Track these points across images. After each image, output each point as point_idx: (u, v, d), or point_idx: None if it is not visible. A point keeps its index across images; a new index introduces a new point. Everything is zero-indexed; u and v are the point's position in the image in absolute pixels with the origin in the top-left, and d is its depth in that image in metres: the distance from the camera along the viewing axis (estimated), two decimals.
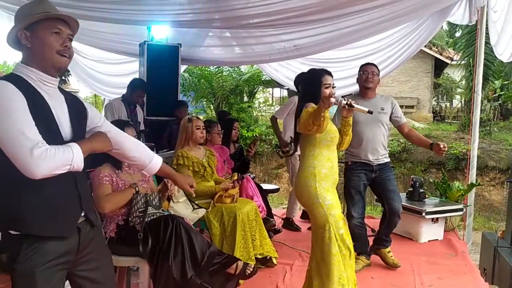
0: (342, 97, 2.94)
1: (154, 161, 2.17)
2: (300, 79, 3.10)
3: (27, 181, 1.60)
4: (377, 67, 4.01)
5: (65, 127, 1.77)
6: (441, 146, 3.66)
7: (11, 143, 1.57)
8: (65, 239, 1.75)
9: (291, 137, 5.04)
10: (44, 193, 1.68)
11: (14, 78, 1.69)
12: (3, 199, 1.69)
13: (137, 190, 2.85)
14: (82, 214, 1.84)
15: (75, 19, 1.81)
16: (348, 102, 2.83)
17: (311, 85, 3.00)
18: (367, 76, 3.87)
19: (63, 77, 17.49)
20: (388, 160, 3.98)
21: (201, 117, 6.98)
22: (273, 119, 5.42)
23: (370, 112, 2.95)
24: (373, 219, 5.71)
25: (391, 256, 4.00)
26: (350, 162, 3.95)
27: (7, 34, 1.76)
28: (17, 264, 1.66)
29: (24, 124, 1.59)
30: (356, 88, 4.65)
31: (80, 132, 1.85)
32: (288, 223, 5.26)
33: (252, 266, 3.12)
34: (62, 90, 1.86)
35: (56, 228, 1.72)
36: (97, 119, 1.96)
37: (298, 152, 5.23)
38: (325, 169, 2.86)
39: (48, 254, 1.69)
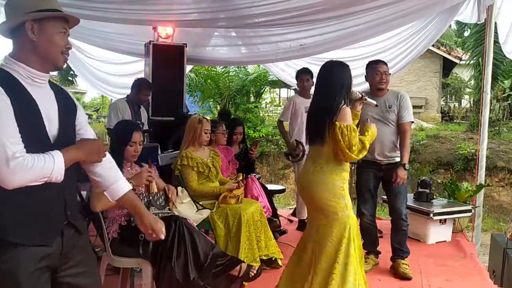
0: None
1: (119, 184, 1.90)
2: (332, 70, 2.91)
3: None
4: (386, 63, 3.88)
5: (53, 124, 1.69)
6: (398, 178, 3.62)
7: None
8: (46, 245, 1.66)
9: (296, 140, 4.98)
10: (25, 198, 1.59)
11: (1, 75, 1.63)
12: None
13: (134, 189, 2.82)
14: (65, 223, 1.74)
15: (78, 19, 1.78)
16: (364, 95, 2.96)
17: (349, 77, 2.87)
18: (380, 77, 3.73)
19: (69, 78, 17.65)
20: (399, 160, 3.80)
21: (207, 117, 6.95)
22: (279, 122, 5.38)
23: (376, 105, 3.14)
24: (379, 220, 5.64)
25: (405, 268, 3.77)
26: (361, 160, 3.88)
27: (4, 21, 1.69)
28: None
29: (4, 130, 1.52)
30: (361, 88, 4.59)
31: (68, 129, 1.77)
32: (304, 225, 5.18)
33: (256, 268, 3.08)
34: (52, 84, 1.78)
35: (35, 236, 1.62)
36: (80, 120, 1.86)
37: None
38: (347, 172, 2.88)
39: (28, 258, 1.60)
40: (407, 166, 3.67)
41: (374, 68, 3.78)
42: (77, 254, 1.79)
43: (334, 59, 3.13)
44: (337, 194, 2.79)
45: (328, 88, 2.85)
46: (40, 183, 1.57)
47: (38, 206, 1.64)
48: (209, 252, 2.80)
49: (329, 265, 2.76)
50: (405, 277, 3.73)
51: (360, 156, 2.80)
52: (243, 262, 3.06)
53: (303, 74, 5.08)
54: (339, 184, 2.80)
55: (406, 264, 3.81)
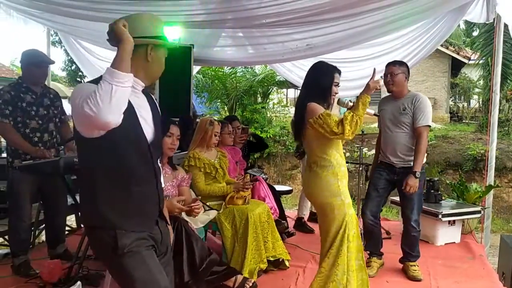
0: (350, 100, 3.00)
1: None
2: (313, 69, 3.02)
3: (115, 181, 1.77)
4: (398, 63, 3.80)
5: (148, 127, 1.88)
6: (407, 187, 3.57)
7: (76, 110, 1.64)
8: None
9: None
10: (129, 193, 1.81)
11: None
12: (91, 198, 1.80)
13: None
14: (158, 215, 1.96)
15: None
16: (353, 104, 2.91)
17: (324, 78, 2.93)
18: (386, 79, 3.72)
19: (78, 79, 17.67)
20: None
21: (215, 117, 6.94)
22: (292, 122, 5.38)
23: (376, 115, 3.10)
24: (388, 221, 5.61)
25: (414, 270, 3.75)
26: (378, 161, 3.95)
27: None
28: (120, 249, 1.76)
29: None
30: None
31: (159, 133, 1.97)
32: (300, 224, 5.19)
33: (252, 281, 3.07)
34: (144, 91, 1.96)
35: (138, 226, 1.84)
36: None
37: None
38: (343, 167, 2.87)
39: (139, 238, 1.82)
40: (417, 174, 3.57)
41: (384, 71, 3.77)
42: (165, 244, 2.01)
43: (332, 60, 3.15)
44: (332, 192, 2.81)
45: (307, 89, 2.96)
46: (124, 101, 1.64)
47: (140, 199, 1.85)
48: (205, 258, 2.79)
49: (322, 260, 2.84)
50: (415, 280, 3.71)
51: (351, 135, 2.67)
52: (240, 273, 3.04)
53: None
54: (333, 181, 2.81)
55: (415, 266, 3.79)
